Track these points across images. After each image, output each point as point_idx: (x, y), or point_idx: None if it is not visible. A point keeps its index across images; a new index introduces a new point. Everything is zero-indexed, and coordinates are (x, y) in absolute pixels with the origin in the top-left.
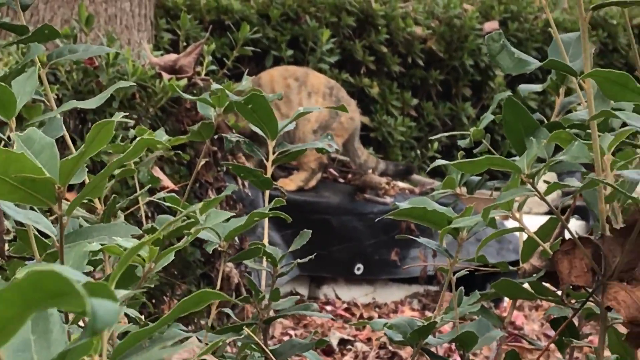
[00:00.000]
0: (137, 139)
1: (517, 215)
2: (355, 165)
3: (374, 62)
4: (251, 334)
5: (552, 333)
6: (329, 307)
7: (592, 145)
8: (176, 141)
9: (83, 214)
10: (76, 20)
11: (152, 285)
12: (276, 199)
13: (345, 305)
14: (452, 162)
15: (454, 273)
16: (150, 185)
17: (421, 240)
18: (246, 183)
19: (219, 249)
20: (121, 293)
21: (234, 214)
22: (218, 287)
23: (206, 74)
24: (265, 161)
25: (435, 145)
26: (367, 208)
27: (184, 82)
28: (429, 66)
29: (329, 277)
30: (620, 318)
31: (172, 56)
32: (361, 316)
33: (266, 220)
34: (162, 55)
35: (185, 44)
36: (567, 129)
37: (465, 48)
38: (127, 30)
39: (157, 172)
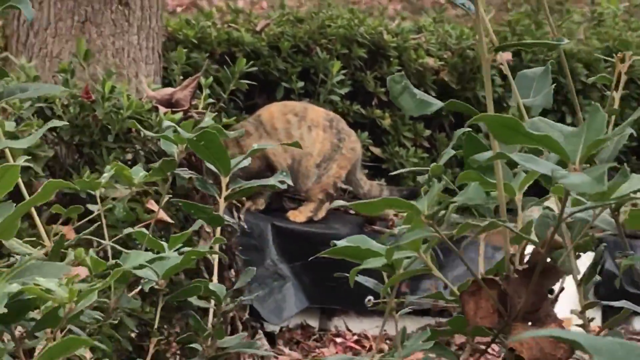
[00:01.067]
0: (47, 182)
1: (424, 256)
2: (359, 195)
3: (385, 93)
4: None
5: None
6: (339, 339)
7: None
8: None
9: (30, 250)
10: (74, 55)
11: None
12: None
13: (355, 337)
14: (350, 203)
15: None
16: (124, 220)
17: (359, 278)
18: (242, 216)
19: (156, 286)
20: None
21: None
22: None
23: (204, 107)
24: (218, 198)
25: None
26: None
27: (179, 115)
28: (441, 97)
29: (340, 309)
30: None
31: (169, 90)
32: (371, 348)
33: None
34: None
35: (181, 77)
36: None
37: (478, 79)
38: (134, 63)
39: (152, 205)
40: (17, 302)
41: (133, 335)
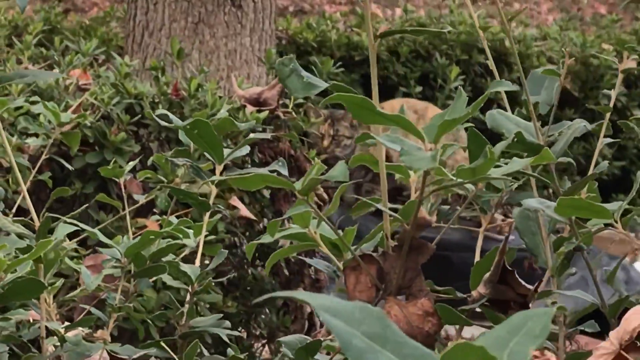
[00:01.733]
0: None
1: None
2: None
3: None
4: (167, 348)
5: None
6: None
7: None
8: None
9: (20, 230)
10: (169, 53)
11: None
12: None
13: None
14: (226, 177)
15: None
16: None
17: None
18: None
19: (117, 265)
20: None
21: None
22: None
23: (293, 107)
24: (210, 185)
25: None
26: (486, 245)
27: (265, 114)
28: (563, 105)
29: None
30: None
31: (257, 89)
32: None
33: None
34: None
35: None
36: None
37: (601, 87)
38: (246, 65)
39: (235, 202)
40: None
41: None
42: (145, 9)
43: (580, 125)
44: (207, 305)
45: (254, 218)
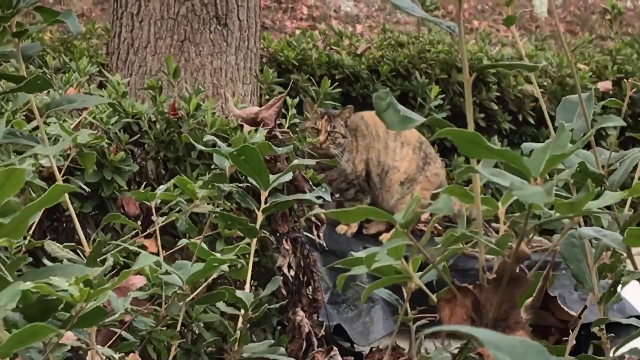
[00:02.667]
0: (55, 185)
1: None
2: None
3: (484, 119)
4: None
5: None
6: None
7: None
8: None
9: (70, 255)
10: (165, 72)
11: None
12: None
13: None
14: (328, 211)
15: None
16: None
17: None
18: (321, 234)
19: (179, 292)
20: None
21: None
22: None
23: (289, 127)
24: (256, 210)
25: None
26: (467, 264)
27: (262, 134)
28: (540, 124)
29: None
30: None
31: (254, 109)
32: None
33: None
34: None
35: (267, 97)
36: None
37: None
38: (231, 83)
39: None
40: (43, 302)
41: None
42: (130, 26)
43: (638, 154)
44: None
45: (267, 235)
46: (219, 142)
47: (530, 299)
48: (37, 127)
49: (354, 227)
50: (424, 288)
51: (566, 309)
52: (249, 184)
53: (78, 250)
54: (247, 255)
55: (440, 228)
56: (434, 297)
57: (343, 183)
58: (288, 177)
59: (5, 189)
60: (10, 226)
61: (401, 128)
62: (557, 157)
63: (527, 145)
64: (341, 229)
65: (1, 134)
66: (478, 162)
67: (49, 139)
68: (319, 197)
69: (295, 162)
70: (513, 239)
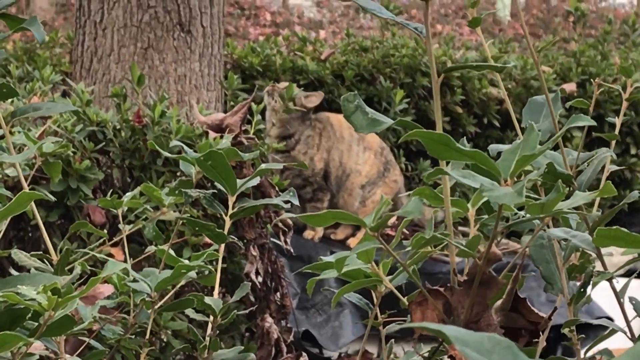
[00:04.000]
0: (22, 192)
1: (377, 268)
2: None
3: (449, 122)
4: None
5: None
6: None
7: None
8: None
9: (37, 264)
10: (129, 80)
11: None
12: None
13: None
14: (298, 215)
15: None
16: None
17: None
18: (288, 240)
19: (147, 299)
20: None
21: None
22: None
23: (254, 133)
24: (224, 216)
25: None
26: (435, 268)
27: (227, 140)
28: (505, 127)
29: (399, 336)
30: None
31: (219, 115)
32: None
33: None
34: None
35: (232, 103)
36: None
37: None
38: (196, 90)
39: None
40: (11, 311)
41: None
42: (93, 34)
43: (606, 154)
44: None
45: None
46: (186, 148)
47: (500, 301)
48: (2, 136)
49: (321, 232)
50: (395, 291)
51: (536, 311)
52: (215, 191)
53: (45, 259)
54: (215, 262)
55: (407, 232)
56: (405, 300)
57: (298, 179)
58: (255, 181)
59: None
60: None
61: (369, 130)
62: (526, 157)
63: (494, 147)
64: (308, 234)
65: None
66: (447, 164)
67: (14, 148)
68: (286, 202)
69: (262, 166)
70: (483, 241)
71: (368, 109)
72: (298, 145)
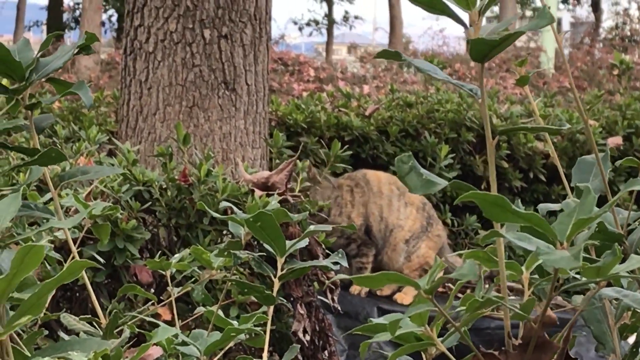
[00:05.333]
0: (73, 261)
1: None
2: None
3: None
4: None
5: None
6: None
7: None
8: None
9: (86, 327)
10: (174, 139)
11: None
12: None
13: None
14: (351, 277)
15: None
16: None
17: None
18: (335, 298)
19: None
20: None
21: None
22: None
23: (300, 190)
24: (273, 277)
25: None
26: (483, 323)
27: (274, 198)
28: (551, 181)
29: None
30: None
31: (265, 173)
32: None
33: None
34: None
35: (277, 161)
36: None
37: None
38: (241, 148)
39: None
40: None
41: None
42: (139, 93)
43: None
44: None
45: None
46: (235, 209)
47: None
48: (51, 199)
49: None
50: (448, 354)
51: None
52: (262, 251)
53: (94, 322)
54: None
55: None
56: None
57: (341, 238)
58: (304, 243)
59: (24, 266)
60: (30, 302)
61: (423, 192)
62: (583, 221)
63: (543, 207)
64: (355, 289)
65: (17, 207)
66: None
67: (62, 209)
68: (335, 263)
69: (311, 228)
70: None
71: (422, 170)
72: (331, 210)
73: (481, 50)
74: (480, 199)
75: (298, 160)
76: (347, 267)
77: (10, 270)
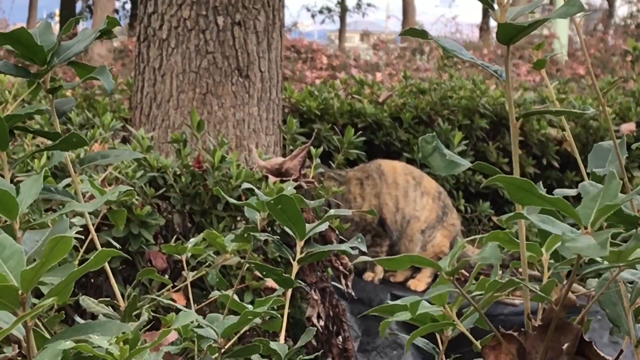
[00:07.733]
0: (100, 250)
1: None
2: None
3: (507, 163)
4: None
5: None
6: None
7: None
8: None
9: (105, 310)
10: (188, 125)
11: None
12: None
13: None
14: (374, 259)
15: None
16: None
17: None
18: (349, 283)
19: (213, 345)
20: None
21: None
22: None
23: (314, 176)
24: (292, 260)
25: None
26: (496, 310)
27: (287, 184)
28: (564, 168)
29: None
30: None
31: (279, 159)
32: None
33: None
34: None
35: (291, 147)
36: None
37: None
38: (255, 134)
39: None
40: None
41: None
42: (152, 80)
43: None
44: None
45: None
46: (257, 191)
47: (566, 345)
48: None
49: (381, 274)
50: (467, 334)
51: (602, 354)
52: (278, 237)
53: (112, 306)
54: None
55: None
56: (478, 344)
57: (356, 232)
58: (324, 226)
59: (52, 256)
60: (58, 289)
61: (447, 172)
62: (608, 207)
63: (558, 192)
64: (368, 276)
65: (39, 190)
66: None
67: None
68: (354, 248)
69: (331, 212)
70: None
71: (446, 151)
72: (340, 206)
73: (509, 33)
74: (507, 183)
75: (312, 147)
76: (366, 252)
77: (40, 259)
